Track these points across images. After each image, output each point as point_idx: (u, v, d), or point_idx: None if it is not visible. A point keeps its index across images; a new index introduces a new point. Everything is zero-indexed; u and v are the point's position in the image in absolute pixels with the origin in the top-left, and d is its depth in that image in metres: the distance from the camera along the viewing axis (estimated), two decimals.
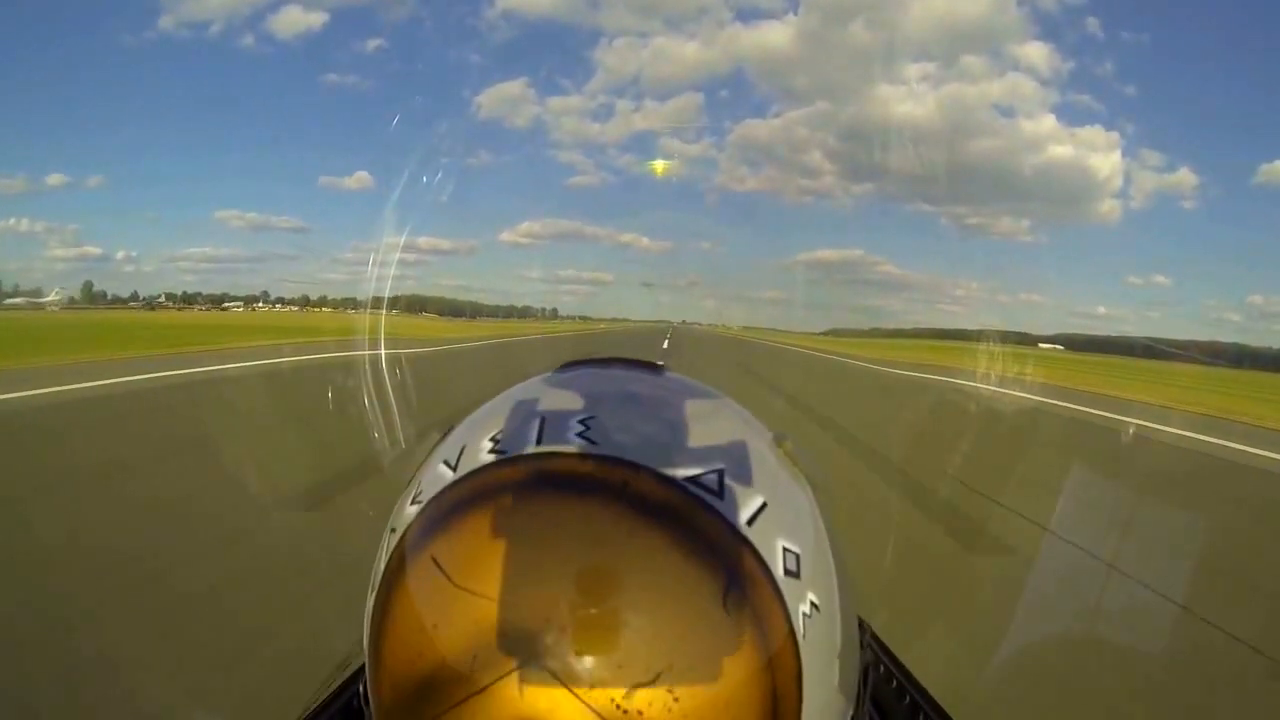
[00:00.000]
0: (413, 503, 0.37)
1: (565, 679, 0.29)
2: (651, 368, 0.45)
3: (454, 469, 0.36)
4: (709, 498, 0.33)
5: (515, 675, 0.29)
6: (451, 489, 0.35)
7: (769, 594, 0.33)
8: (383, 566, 0.36)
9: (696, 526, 0.32)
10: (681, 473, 0.34)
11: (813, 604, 0.34)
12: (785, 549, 0.34)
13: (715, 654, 0.30)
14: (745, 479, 0.35)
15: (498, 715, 0.29)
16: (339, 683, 0.54)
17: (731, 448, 0.37)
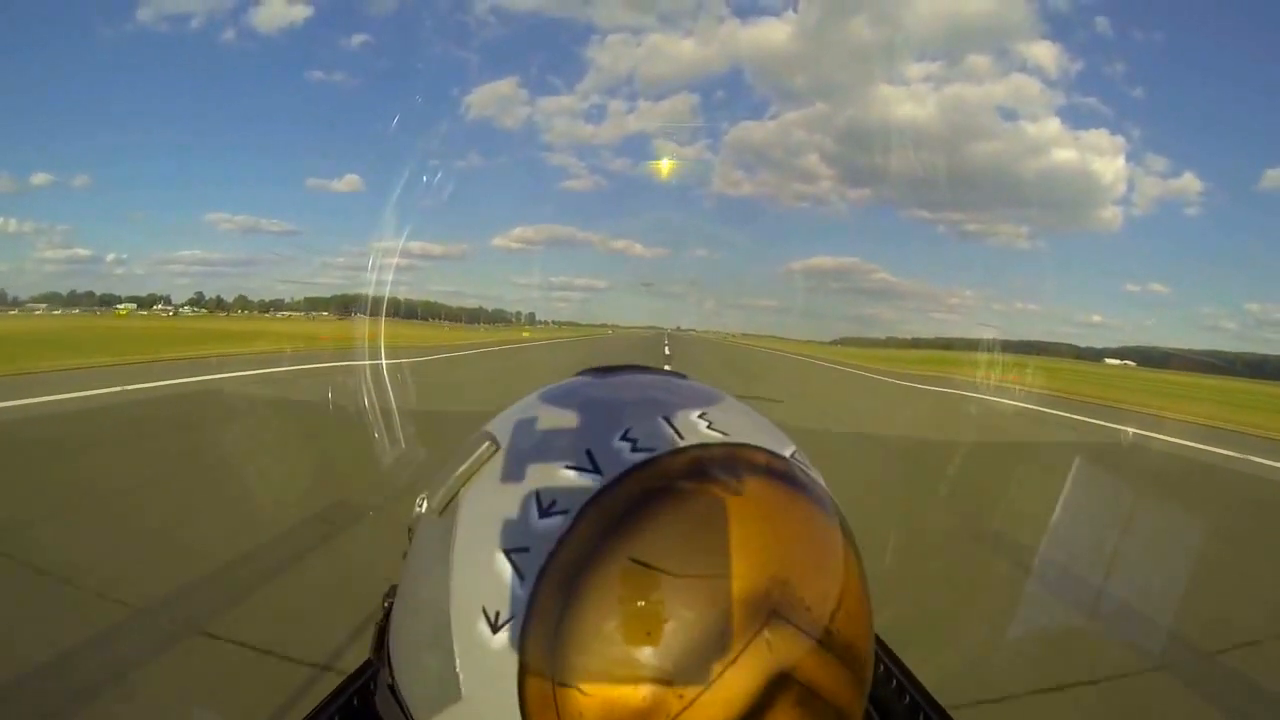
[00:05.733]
0: (546, 515, 0.35)
1: (805, 628, 0.34)
2: (672, 374, 0.48)
3: (597, 471, 0.36)
4: (816, 475, 0.42)
5: (765, 635, 0.33)
6: (625, 486, 0.35)
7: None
8: (547, 586, 0.34)
9: (827, 498, 0.41)
10: (789, 454, 0.41)
11: None
12: None
13: (864, 592, 0.39)
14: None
15: (757, 671, 0.33)
16: (336, 687, 0.56)
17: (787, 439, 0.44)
